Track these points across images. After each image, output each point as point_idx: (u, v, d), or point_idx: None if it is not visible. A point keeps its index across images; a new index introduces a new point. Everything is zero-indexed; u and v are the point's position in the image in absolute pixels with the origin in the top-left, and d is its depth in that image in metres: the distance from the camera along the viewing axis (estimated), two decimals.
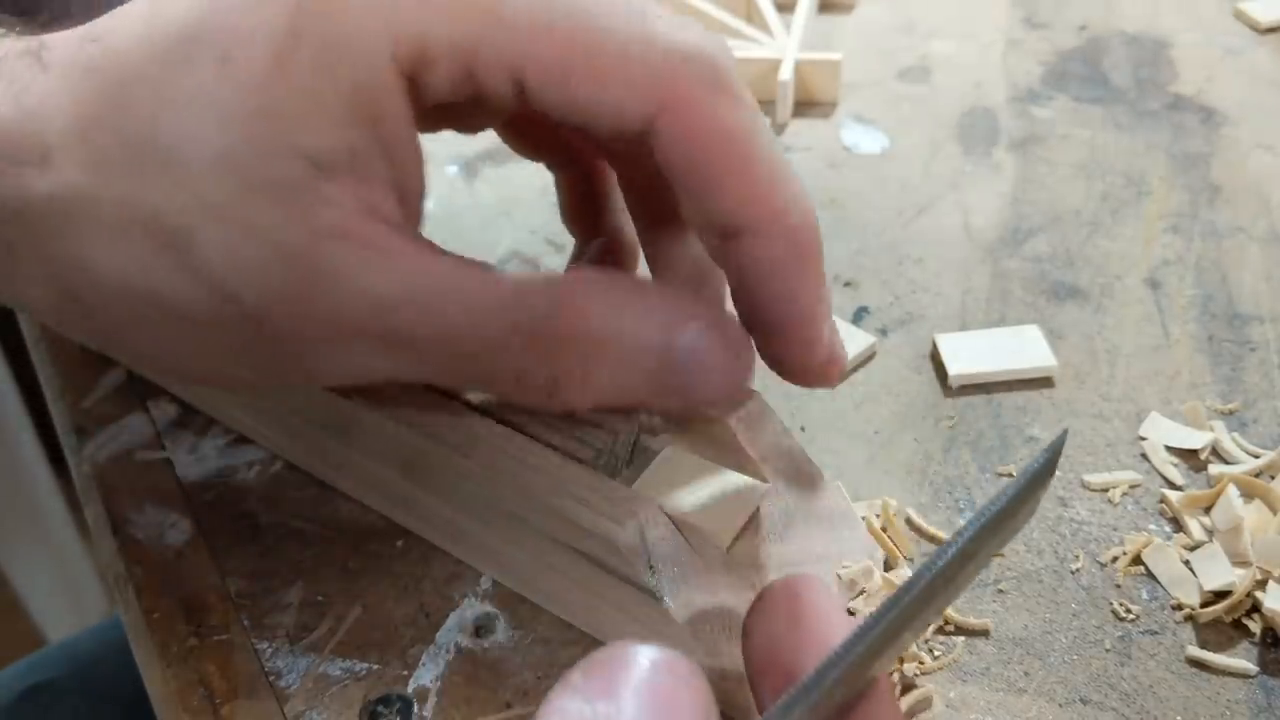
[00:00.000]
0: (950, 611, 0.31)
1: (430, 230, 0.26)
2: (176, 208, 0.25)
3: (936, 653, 0.30)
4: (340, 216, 0.24)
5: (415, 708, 0.29)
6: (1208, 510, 0.33)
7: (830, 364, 0.28)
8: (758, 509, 0.29)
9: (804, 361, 0.28)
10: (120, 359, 0.29)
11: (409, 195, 0.26)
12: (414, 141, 0.26)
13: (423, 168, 0.26)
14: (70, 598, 1.06)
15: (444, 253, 0.26)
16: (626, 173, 0.32)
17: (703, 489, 0.29)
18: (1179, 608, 0.31)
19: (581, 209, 0.34)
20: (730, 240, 0.26)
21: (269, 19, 0.24)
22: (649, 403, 0.27)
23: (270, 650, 0.31)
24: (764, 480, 0.30)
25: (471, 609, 0.32)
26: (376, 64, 0.24)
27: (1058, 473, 0.35)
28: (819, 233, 0.27)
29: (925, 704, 0.29)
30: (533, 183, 0.48)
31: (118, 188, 0.25)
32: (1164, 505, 0.34)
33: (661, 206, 0.31)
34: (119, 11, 0.26)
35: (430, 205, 0.47)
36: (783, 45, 0.54)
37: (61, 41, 0.26)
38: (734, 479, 0.30)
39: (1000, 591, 0.32)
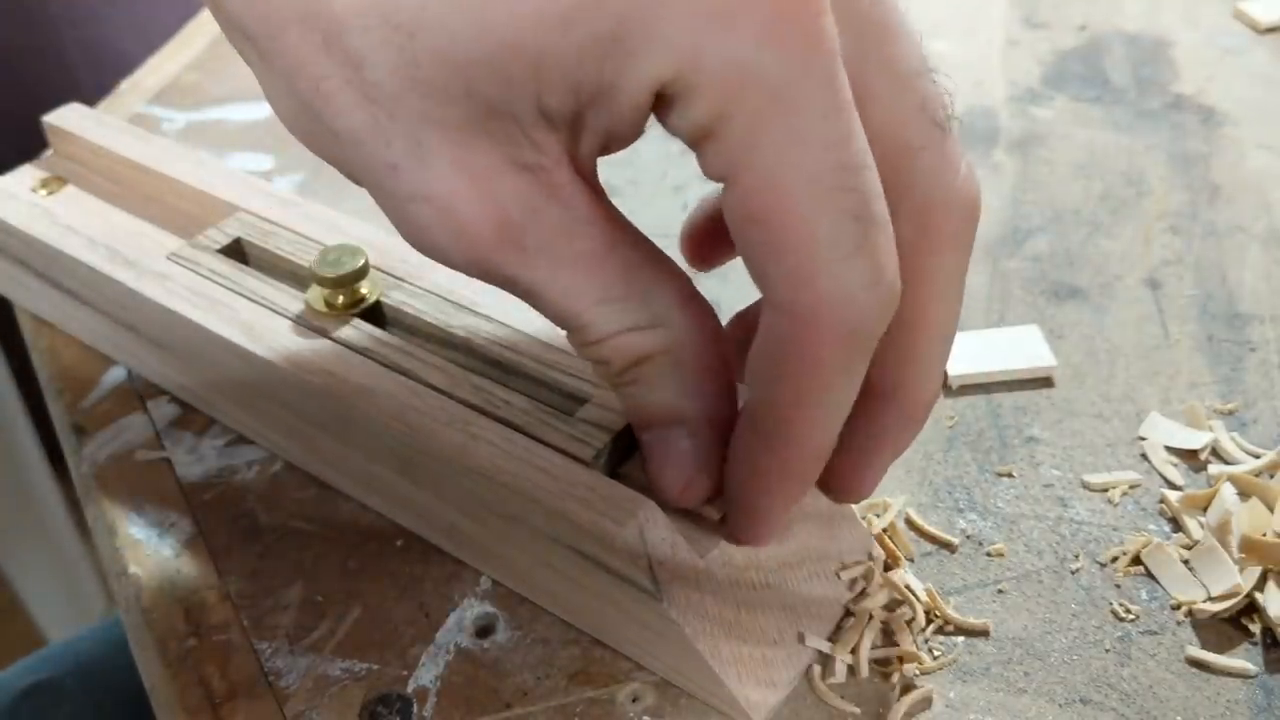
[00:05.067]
0: (950, 612, 0.31)
1: None
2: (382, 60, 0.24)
3: (936, 653, 0.30)
4: (539, 159, 0.24)
5: (415, 708, 0.29)
6: (1207, 510, 0.33)
7: (745, 534, 0.28)
8: None
9: (731, 515, 0.28)
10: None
11: (614, 142, 0.25)
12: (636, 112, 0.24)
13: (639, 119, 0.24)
14: (70, 598, 1.06)
15: (620, 226, 0.25)
16: None
17: None
18: (1179, 608, 0.31)
19: (709, 235, 0.32)
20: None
21: None
22: None
23: (270, 650, 0.31)
24: None
25: (471, 609, 0.32)
26: (637, 78, 0.23)
27: (1057, 472, 0.35)
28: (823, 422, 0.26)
29: (925, 704, 0.29)
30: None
31: None
32: (1164, 505, 0.34)
33: None
34: None
35: None
36: None
37: None
38: None
39: (1000, 592, 0.32)
